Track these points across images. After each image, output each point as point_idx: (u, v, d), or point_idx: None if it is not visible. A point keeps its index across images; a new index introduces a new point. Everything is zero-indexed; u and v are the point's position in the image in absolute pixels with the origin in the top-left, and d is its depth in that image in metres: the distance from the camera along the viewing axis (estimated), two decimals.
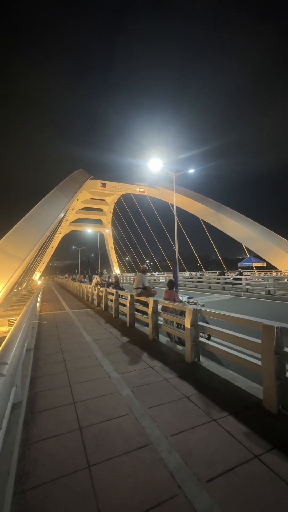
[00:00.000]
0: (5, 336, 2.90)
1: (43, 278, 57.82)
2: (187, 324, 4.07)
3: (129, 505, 1.71)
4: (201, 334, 4.29)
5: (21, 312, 4.76)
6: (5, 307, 13.18)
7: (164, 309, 5.49)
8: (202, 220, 27.80)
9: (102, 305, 10.14)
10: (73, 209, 43.88)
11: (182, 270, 37.09)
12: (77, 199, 38.28)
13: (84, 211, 49.59)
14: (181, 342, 5.02)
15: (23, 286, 29.81)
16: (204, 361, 4.00)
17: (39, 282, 38.06)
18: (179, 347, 4.82)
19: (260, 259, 24.13)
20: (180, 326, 5.03)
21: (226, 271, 26.42)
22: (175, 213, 20.89)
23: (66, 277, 47.30)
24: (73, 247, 79.01)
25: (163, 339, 5.40)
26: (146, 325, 6.42)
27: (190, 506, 1.70)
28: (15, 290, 22.24)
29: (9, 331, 3.34)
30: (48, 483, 1.91)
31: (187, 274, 29.02)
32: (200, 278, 22.37)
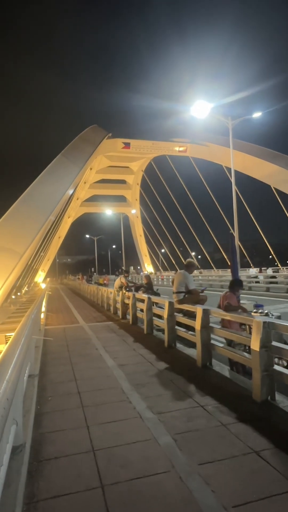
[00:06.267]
0: None
1: (48, 279, 60.95)
2: (255, 344, 3.94)
3: None
4: (276, 359, 4.14)
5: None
6: (1, 319, 14.18)
7: (224, 323, 5.40)
8: (275, 189, 26.52)
9: (129, 317, 10.31)
10: (85, 182, 45.16)
11: (246, 265, 36.03)
12: (91, 168, 39.22)
13: (101, 184, 50.65)
14: (246, 371, 4.90)
15: (22, 291, 31.80)
16: (282, 401, 3.87)
17: (43, 286, 40.20)
18: (243, 378, 4.74)
19: None
20: (245, 348, 4.90)
21: None
22: (233, 180, 20.26)
23: (79, 277, 49.15)
24: (87, 236, 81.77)
25: (218, 366, 5.33)
26: (193, 345, 6.38)
27: None
28: (13, 297, 23.82)
29: None
30: None
31: (253, 271, 28.12)
32: (274, 277, 21.56)
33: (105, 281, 32.36)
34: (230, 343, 5.30)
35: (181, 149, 35.48)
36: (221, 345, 5.29)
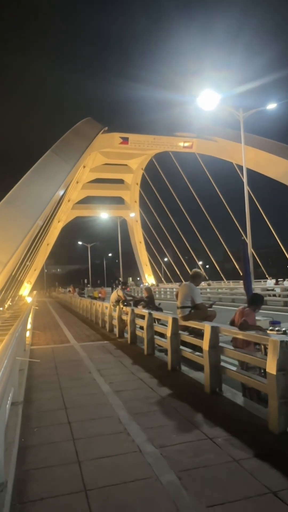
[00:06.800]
0: None
1: (35, 292, 60.96)
2: (271, 367, 3.93)
3: None
4: None
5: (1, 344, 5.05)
6: None
7: (237, 343, 5.41)
8: None
9: (127, 335, 10.30)
10: (77, 182, 45.51)
11: (260, 276, 36.03)
12: (84, 166, 39.59)
13: (96, 184, 51.06)
14: (262, 398, 4.88)
15: (5, 306, 31.73)
16: None
17: (29, 299, 40.19)
18: (258, 406, 4.73)
19: None
20: (260, 371, 4.88)
21: None
22: (245, 180, 20.41)
23: (70, 290, 49.19)
24: (80, 243, 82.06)
25: (229, 392, 5.31)
26: (200, 368, 6.36)
27: None
28: None
29: None
30: None
31: (271, 282, 28.06)
32: None
33: (100, 294, 31.91)
34: (242, 365, 5.28)
35: (186, 144, 35.77)
36: (233, 368, 5.27)
